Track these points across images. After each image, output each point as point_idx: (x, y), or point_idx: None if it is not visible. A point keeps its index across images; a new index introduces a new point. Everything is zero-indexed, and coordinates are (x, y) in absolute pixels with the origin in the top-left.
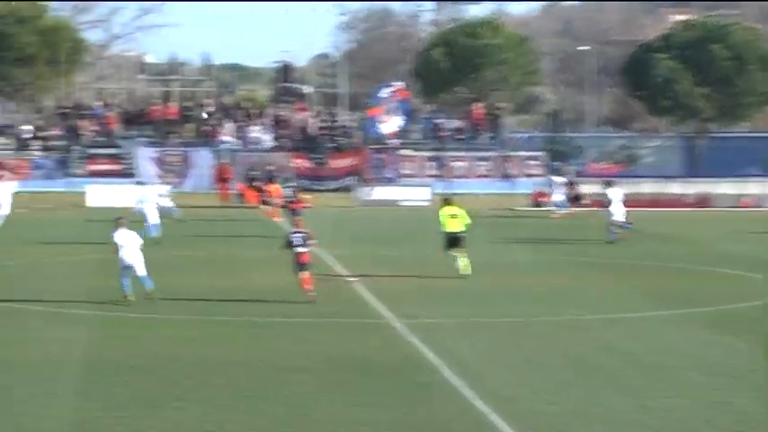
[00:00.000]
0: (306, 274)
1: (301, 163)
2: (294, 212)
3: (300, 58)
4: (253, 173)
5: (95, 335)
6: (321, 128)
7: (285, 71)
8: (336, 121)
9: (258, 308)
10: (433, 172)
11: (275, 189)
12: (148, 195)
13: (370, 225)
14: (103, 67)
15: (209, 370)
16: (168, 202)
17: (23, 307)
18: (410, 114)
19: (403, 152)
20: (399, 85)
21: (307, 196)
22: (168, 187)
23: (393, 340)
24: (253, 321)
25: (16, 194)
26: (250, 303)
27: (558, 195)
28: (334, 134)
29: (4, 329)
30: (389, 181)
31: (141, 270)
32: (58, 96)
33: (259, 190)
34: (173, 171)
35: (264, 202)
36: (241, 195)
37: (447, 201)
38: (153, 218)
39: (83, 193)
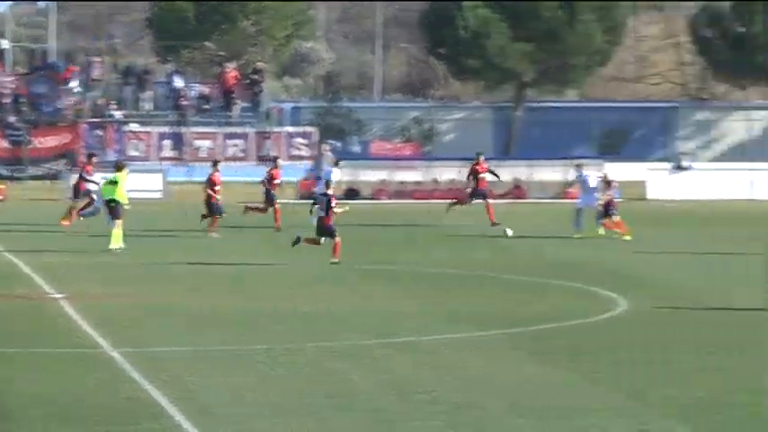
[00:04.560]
0: None
1: None
2: None
3: None
4: None
5: None
6: (20, 95)
7: None
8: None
9: None
10: (170, 153)
11: None
12: None
13: (82, 225)
14: None
15: None
16: None
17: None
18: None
19: (130, 127)
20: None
21: None
22: None
23: (111, 375)
24: None
25: None
26: None
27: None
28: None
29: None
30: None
31: None
32: None
33: None
34: None
35: None
36: None
37: (119, 166)
38: None
39: None
